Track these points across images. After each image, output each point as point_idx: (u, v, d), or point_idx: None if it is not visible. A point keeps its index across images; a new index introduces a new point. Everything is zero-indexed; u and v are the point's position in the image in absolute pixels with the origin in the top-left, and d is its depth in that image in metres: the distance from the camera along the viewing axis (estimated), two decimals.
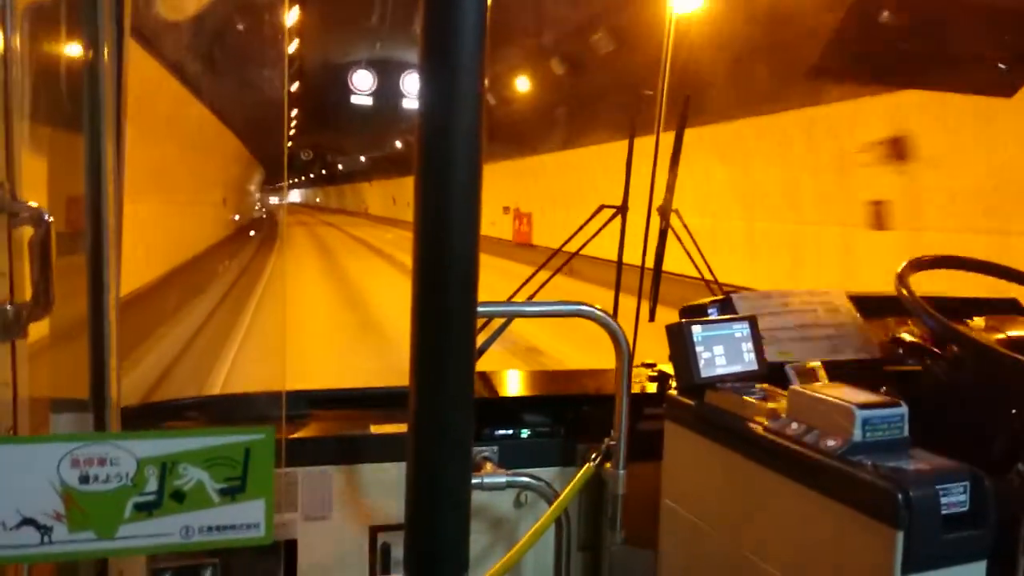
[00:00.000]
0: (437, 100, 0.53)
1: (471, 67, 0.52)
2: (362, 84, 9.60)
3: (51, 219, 1.14)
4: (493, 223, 19.97)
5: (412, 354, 0.57)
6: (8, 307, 1.07)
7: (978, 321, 1.67)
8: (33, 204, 1.13)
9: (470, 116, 0.53)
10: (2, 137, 1.12)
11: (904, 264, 1.71)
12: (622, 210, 2.26)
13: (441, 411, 0.57)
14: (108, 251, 1.23)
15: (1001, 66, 1.87)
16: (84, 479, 0.74)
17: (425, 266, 0.55)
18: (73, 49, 1.22)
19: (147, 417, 1.85)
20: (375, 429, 1.81)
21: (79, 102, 1.20)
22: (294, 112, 20.68)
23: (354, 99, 9.43)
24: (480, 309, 1.74)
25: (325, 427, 1.86)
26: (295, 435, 1.78)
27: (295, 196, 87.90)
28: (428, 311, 0.56)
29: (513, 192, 19.73)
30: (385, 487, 1.74)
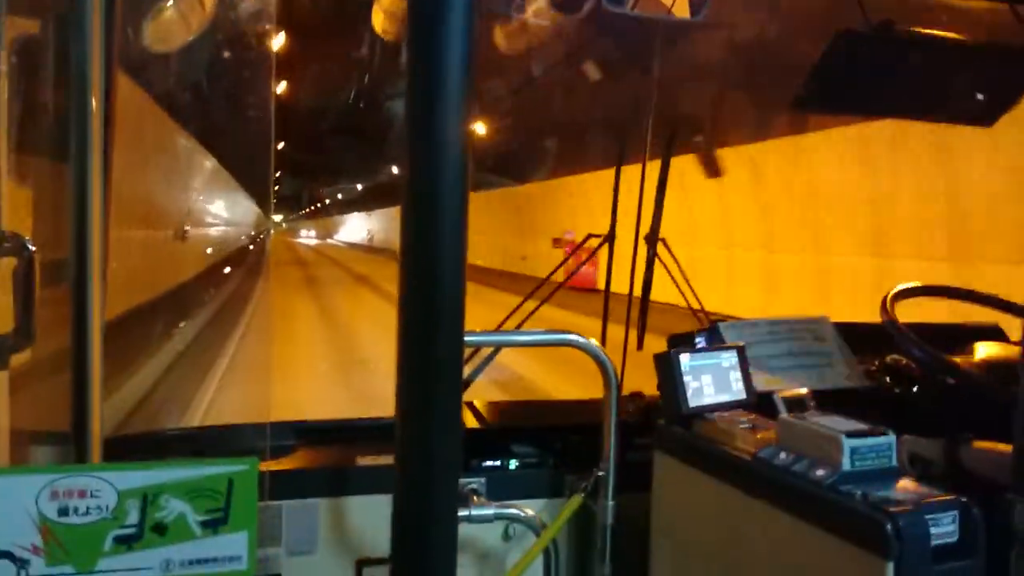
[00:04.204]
0: (424, 131, 0.53)
1: (458, 99, 0.53)
2: None
3: (34, 249, 1.13)
4: None
5: (398, 384, 0.56)
6: None
7: (979, 349, 1.67)
8: (16, 234, 1.12)
9: (456, 148, 0.53)
10: None
11: (890, 293, 1.72)
12: (609, 239, 2.27)
13: (428, 442, 0.56)
14: (93, 281, 1.22)
15: (980, 97, 1.91)
16: (63, 511, 0.72)
17: (411, 295, 0.55)
18: (61, 79, 1.23)
19: (130, 449, 1.82)
20: (362, 461, 1.79)
21: (66, 132, 1.20)
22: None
23: None
24: (467, 339, 1.73)
25: (311, 459, 1.83)
26: (280, 467, 1.75)
27: (353, 232, 53.27)
28: (414, 341, 0.56)
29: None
30: (372, 520, 1.71)
